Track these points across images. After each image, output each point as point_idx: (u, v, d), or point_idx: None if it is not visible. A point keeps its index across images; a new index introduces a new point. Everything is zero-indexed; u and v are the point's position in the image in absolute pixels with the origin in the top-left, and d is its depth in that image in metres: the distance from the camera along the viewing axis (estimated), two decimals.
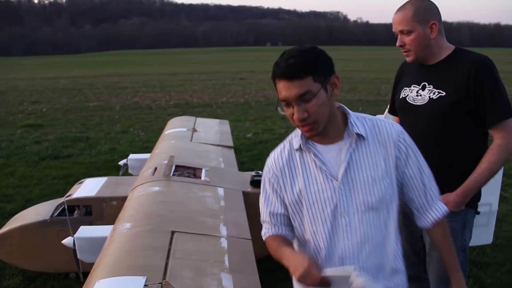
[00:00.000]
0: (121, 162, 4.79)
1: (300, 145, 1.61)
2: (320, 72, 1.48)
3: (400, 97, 2.40)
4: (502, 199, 5.42)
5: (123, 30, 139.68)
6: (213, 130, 4.99)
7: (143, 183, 3.26)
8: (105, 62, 47.02)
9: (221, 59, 48.33)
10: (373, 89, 17.77)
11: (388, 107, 2.72)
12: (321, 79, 1.49)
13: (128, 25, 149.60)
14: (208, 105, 13.67)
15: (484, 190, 3.46)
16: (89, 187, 3.66)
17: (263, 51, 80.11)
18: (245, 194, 3.27)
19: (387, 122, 1.63)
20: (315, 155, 1.58)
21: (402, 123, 2.39)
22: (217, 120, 5.69)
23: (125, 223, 2.56)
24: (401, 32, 2.22)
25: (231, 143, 4.54)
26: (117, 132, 9.81)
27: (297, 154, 1.62)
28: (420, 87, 2.30)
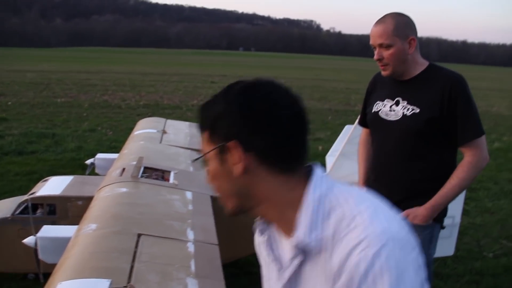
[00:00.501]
0: (88, 161, 4.71)
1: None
2: (217, 132, 0.98)
3: (372, 110, 2.37)
4: (464, 212, 5.55)
5: (96, 27, 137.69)
6: (183, 133, 4.96)
7: (110, 183, 3.21)
8: (75, 57, 46.26)
9: (193, 61, 48.18)
10: (343, 99, 18.03)
11: (358, 118, 2.75)
12: (216, 141, 0.98)
13: (100, 21, 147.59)
14: (178, 107, 13.61)
15: None
16: (54, 186, 3.58)
17: (236, 56, 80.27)
18: (213, 199, 3.26)
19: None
20: (269, 243, 1.08)
21: (374, 137, 2.42)
22: (187, 123, 5.66)
23: (90, 224, 2.52)
24: (380, 45, 2.20)
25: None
26: (85, 130, 9.66)
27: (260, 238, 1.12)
28: (393, 102, 2.28)
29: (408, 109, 2.21)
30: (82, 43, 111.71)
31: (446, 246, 3.75)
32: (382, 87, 2.40)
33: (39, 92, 16.18)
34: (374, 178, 2.43)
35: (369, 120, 2.43)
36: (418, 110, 2.18)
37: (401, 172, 2.26)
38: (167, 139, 4.53)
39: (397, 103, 2.27)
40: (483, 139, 2.19)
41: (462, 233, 4.93)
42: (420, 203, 2.20)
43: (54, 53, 60.96)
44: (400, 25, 2.18)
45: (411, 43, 2.20)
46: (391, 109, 2.28)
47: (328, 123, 11.83)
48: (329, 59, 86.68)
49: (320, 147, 8.48)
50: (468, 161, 2.17)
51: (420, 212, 2.19)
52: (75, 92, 16.54)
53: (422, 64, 2.26)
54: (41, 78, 21.34)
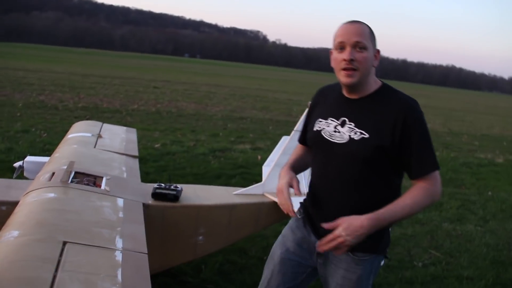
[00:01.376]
0: (16, 164, 4.48)
1: None
2: None
3: (314, 129, 2.16)
4: (396, 223, 5.76)
5: (36, 23, 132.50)
6: (119, 138, 4.81)
7: (38, 188, 3.07)
8: (12, 53, 44.29)
9: (137, 65, 47.26)
10: (284, 110, 18.22)
11: (294, 130, 2.74)
12: None
13: (42, 18, 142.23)
14: (118, 111, 13.28)
15: None
16: None
17: (181, 62, 79.47)
18: (146, 206, 3.19)
19: None
20: None
21: (315, 157, 2.21)
22: (124, 128, 5.49)
23: (12, 231, 2.39)
24: (355, 45, 1.96)
25: (136, 153, 4.39)
26: (17, 131, 9.24)
27: None
28: (339, 123, 2.08)
29: (356, 132, 2.01)
30: (20, 39, 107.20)
31: None
32: (326, 104, 2.21)
33: None
34: (312, 203, 2.23)
35: (310, 139, 2.22)
36: (367, 136, 1.98)
37: (343, 199, 2.07)
38: (102, 144, 4.38)
39: (342, 124, 2.07)
40: (438, 173, 2.02)
41: (393, 243, 5.11)
42: None
43: None
44: (372, 32, 2.04)
45: (376, 56, 2.06)
46: (336, 130, 2.08)
47: (268, 133, 11.92)
48: (273, 70, 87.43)
49: (259, 157, 8.52)
50: (426, 187, 1.99)
51: (360, 221, 1.90)
52: (9, 90, 15.80)
53: (376, 83, 2.09)
54: None
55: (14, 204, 2.97)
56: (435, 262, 4.83)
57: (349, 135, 2.01)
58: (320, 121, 2.15)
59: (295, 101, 22.95)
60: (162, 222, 3.30)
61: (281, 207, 2.13)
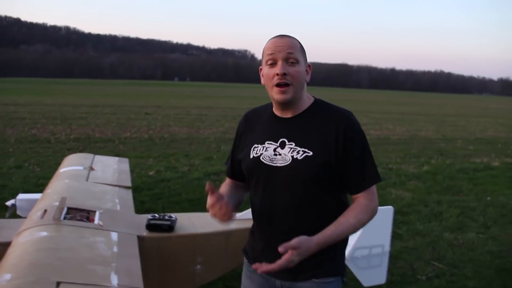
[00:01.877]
0: (8, 203, 4.43)
1: None
2: None
3: (251, 156, 2.00)
4: (396, 236, 5.70)
5: (24, 57, 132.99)
6: (111, 169, 4.77)
7: (30, 227, 3.02)
8: (2, 89, 44.29)
9: (127, 92, 47.33)
10: None
11: (227, 163, 2.29)
12: None
13: (30, 51, 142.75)
14: (111, 140, 13.22)
15: (375, 231, 3.62)
16: None
17: (171, 86, 79.78)
18: (140, 239, 3.14)
19: None
20: None
21: (255, 188, 2.02)
22: (116, 158, 5.46)
23: (4, 274, 2.34)
24: (287, 59, 1.88)
25: (129, 183, 4.35)
26: (10, 167, 9.16)
27: None
28: (277, 145, 1.95)
29: (298, 151, 1.90)
30: (9, 73, 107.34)
31: (377, 274, 3.80)
32: (258, 128, 2.06)
33: None
34: (259, 235, 2.07)
35: (247, 168, 2.03)
36: (311, 153, 1.88)
37: (294, 222, 1.95)
38: (94, 177, 4.34)
39: (282, 145, 1.94)
40: (375, 187, 1.97)
41: (395, 257, 5.05)
42: (316, 255, 1.85)
43: None
44: (302, 47, 1.96)
45: (308, 71, 1.97)
46: (275, 153, 1.94)
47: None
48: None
49: None
50: (366, 204, 1.92)
51: (310, 246, 1.82)
52: (1, 126, 15.74)
53: (309, 99, 2.00)
54: None
55: (6, 245, 2.91)
56: (439, 275, 4.76)
57: (292, 156, 1.90)
58: (256, 147, 2.00)
59: None
60: (158, 253, 3.25)
61: (214, 215, 1.94)
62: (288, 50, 1.89)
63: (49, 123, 16.94)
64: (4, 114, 19.68)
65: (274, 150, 1.95)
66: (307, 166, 1.88)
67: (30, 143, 12.39)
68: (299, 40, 1.97)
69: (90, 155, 5.36)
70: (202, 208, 6.67)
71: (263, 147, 1.99)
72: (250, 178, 2.04)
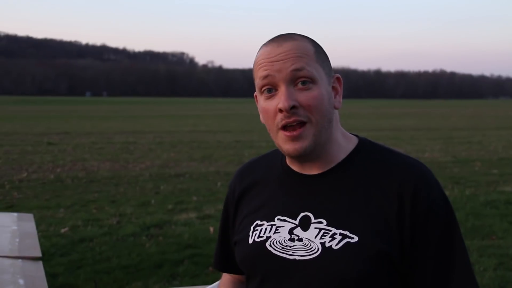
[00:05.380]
0: None
1: None
2: None
3: (250, 240, 1.67)
4: None
5: None
6: (7, 232, 4.47)
7: None
8: None
9: (18, 114, 46.57)
10: (233, 156, 18.15)
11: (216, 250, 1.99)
12: None
13: None
14: None
15: None
16: None
17: (82, 103, 79.11)
18: None
19: None
20: None
21: None
22: (15, 215, 5.16)
23: None
24: (293, 77, 1.54)
25: (38, 252, 4.07)
26: None
27: None
28: (296, 223, 1.61)
29: (333, 236, 1.54)
30: None
31: None
32: (263, 193, 1.75)
33: None
34: None
35: (244, 260, 1.72)
36: (355, 239, 1.52)
37: None
38: None
39: (304, 225, 1.60)
40: None
41: None
42: None
43: None
44: (319, 49, 1.63)
45: (336, 88, 1.65)
46: (293, 236, 1.60)
47: (218, 193, 11.65)
48: (209, 102, 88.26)
49: (211, 229, 8.27)
50: None
51: None
52: None
53: (347, 140, 1.69)
54: None
55: None
56: None
57: (322, 243, 1.54)
58: (260, 225, 1.68)
59: (245, 142, 22.96)
60: None
61: None
62: (293, 64, 1.53)
63: None
64: None
65: (291, 231, 1.60)
66: (350, 261, 1.50)
67: None
68: (312, 39, 1.63)
69: None
70: (143, 277, 6.44)
71: (272, 226, 1.64)
72: (250, 277, 1.71)
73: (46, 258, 6.71)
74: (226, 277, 1.96)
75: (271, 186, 1.73)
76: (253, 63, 1.65)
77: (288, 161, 1.71)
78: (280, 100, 1.53)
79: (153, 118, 41.83)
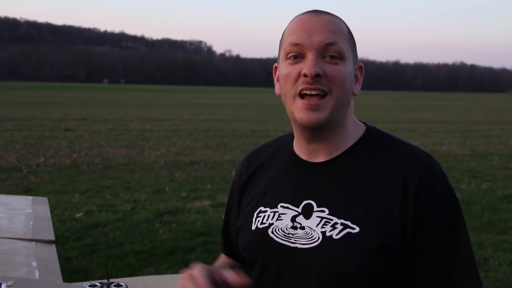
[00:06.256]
0: None
1: None
2: None
3: (253, 227, 1.66)
4: None
5: None
6: (22, 215, 4.52)
7: None
8: None
9: (36, 100, 46.85)
10: (248, 145, 18.12)
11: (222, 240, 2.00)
12: None
13: None
14: (16, 169, 12.88)
15: None
16: None
17: (99, 90, 79.39)
18: None
19: None
20: None
21: (256, 281, 1.64)
22: (29, 198, 5.22)
23: None
24: (325, 49, 1.51)
25: (51, 236, 4.12)
26: None
27: None
28: (299, 211, 1.58)
29: (334, 225, 1.51)
30: None
31: None
32: (266, 179, 1.73)
33: None
34: None
35: (246, 246, 1.71)
36: (356, 230, 1.49)
37: None
38: None
39: (307, 213, 1.57)
40: None
41: None
42: None
43: None
44: (351, 34, 1.61)
45: (357, 76, 1.62)
46: (295, 224, 1.58)
47: (232, 181, 11.70)
48: (225, 91, 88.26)
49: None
50: None
51: None
52: None
53: (357, 127, 1.66)
54: None
55: None
56: None
57: (323, 232, 1.51)
58: (263, 211, 1.66)
59: (261, 132, 22.95)
60: None
61: None
62: (327, 37, 1.50)
63: None
64: None
65: (293, 219, 1.58)
66: (350, 252, 1.47)
67: None
68: (346, 23, 1.61)
69: None
70: (155, 263, 6.48)
71: (274, 213, 1.62)
72: (252, 263, 1.68)
73: (61, 242, 6.81)
74: (225, 257, 1.97)
75: (276, 172, 1.70)
76: (283, 30, 1.62)
77: (295, 146, 1.68)
78: (306, 66, 1.49)
79: (169, 106, 41.89)
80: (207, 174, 12.62)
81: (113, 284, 3.16)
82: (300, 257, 1.53)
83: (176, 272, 6.15)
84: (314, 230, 1.52)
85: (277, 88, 1.64)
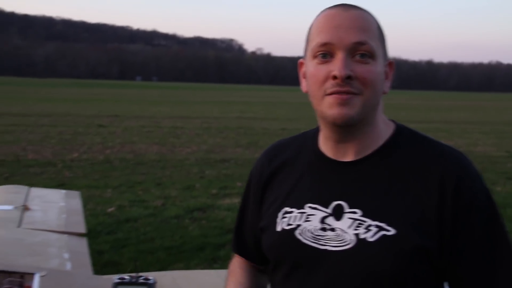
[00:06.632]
0: None
1: None
2: None
3: (278, 228, 1.57)
4: None
5: None
6: (55, 208, 4.58)
7: None
8: None
9: (71, 96, 47.44)
10: None
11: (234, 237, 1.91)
12: None
13: None
14: (51, 164, 13.06)
15: None
16: None
17: (132, 88, 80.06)
18: None
19: None
20: None
21: (281, 285, 1.61)
22: (63, 192, 5.28)
23: None
24: (355, 47, 1.44)
25: (83, 229, 4.15)
26: None
27: None
28: (329, 212, 1.51)
29: (368, 227, 1.46)
30: None
31: None
32: (291, 177, 1.64)
33: None
34: None
35: (271, 248, 1.63)
36: (392, 231, 1.44)
37: None
38: (30, 220, 4.14)
39: (337, 214, 1.51)
40: None
41: None
42: None
43: None
44: (381, 30, 1.55)
45: (388, 73, 1.56)
46: (324, 226, 1.51)
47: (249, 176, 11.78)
48: (256, 89, 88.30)
49: None
50: None
51: None
52: None
53: (386, 125, 1.60)
54: None
55: None
56: None
57: (356, 234, 1.46)
58: (289, 212, 1.57)
59: (291, 130, 22.85)
60: None
61: None
62: (356, 36, 1.44)
63: None
64: None
65: (322, 220, 1.50)
66: (385, 255, 1.42)
67: None
68: (375, 17, 1.53)
69: (23, 188, 5.19)
70: (185, 259, 6.50)
71: (302, 214, 1.54)
72: (277, 265, 1.60)
73: (93, 235, 6.88)
74: (239, 263, 1.85)
75: (301, 171, 1.61)
76: (310, 26, 1.55)
77: (322, 144, 1.59)
78: (335, 67, 1.42)
79: (200, 104, 42.08)
80: (237, 171, 12.64)
81: (141, 278, 3.19)
82: (331, 259, 1.47)
83: (205, 268, 6.19)
84: (346, 232, 1.46)
85: (304, 85, 1.57)
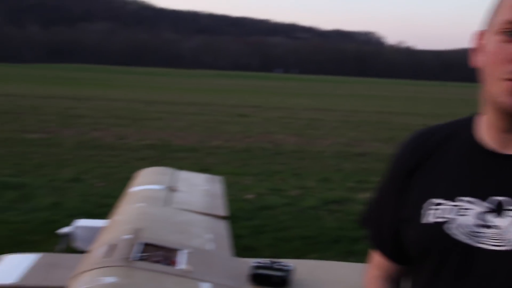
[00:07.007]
0: (63, 231, 4.48)
1: None
2: None
3: (425, 220, 1.42)
4: None
5: (84, 37, 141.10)
6: (199, 191, 4.71)
7: (92, 268, 2.94)
8: (56, 78, 47.26)
9: (215, 87, 48.72)
10: None
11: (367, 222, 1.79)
12: None
13: (90, 31, 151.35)
14: (195, 150, 13.52)
15: None
16: (8, 270, 3.34)
17: (272, 79, 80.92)
18: None
19: None
20: None
21: (426, 283, 1.46)
22: (206, 176, 5.41)
23: None
24: None
25: (224, 212, 4.26)
26: (65, 180, 9.53)
27: None
28: (489, 207, 1.35)
29: None
30: (65, 58, 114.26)
31: None
32: (442, 166, 1.48)
33: (4, 124, 16.35)
34: None
35: (416, 241, 1.47)
36: None
37: None
38: (176, 200, 4.28)
39: (497, 210, 1.35)
40: None
41: None
42: None
43: (28, 70, 62.59)
44: None
45: None
46: (483, 222, 1.35)
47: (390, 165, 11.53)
48: (397, 83, 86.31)
49: None
50: None
51: None
52: (55, 125, 16.67)
53: None
54: (8, 105, 21.67)
55: None
56: None
57: None
58: (437, 203, 1.42)
59: None
60: None
61: None
62: None
63: (115, 124, 17.74)
64: (60, 110, 20.84)
65: (479, 216, 1.34)
66: None
67: (91, 149, 12.94)
68: None
69: (170, 170, 5.35)
70: (320, 249, 6.50)
71: (454, 206, 1.38)
72: (421, 261, 1.46)
73: (232, 220, 6.99)
74: (380, 263, 1.67)
75: (453, 160, 1.45)
76: (497, 3, 1.37)
77: (483, 131, 1.43)
78: None
79: (340, 97, 41.73)
80: (375, 166, 12.39)
81: (279, 262, 3.24)
82: (486, 259, 1.32)
83: (340, 261, 6.17)
84: (508, 231, 1.31)
85: (478, 59, 1.39)
